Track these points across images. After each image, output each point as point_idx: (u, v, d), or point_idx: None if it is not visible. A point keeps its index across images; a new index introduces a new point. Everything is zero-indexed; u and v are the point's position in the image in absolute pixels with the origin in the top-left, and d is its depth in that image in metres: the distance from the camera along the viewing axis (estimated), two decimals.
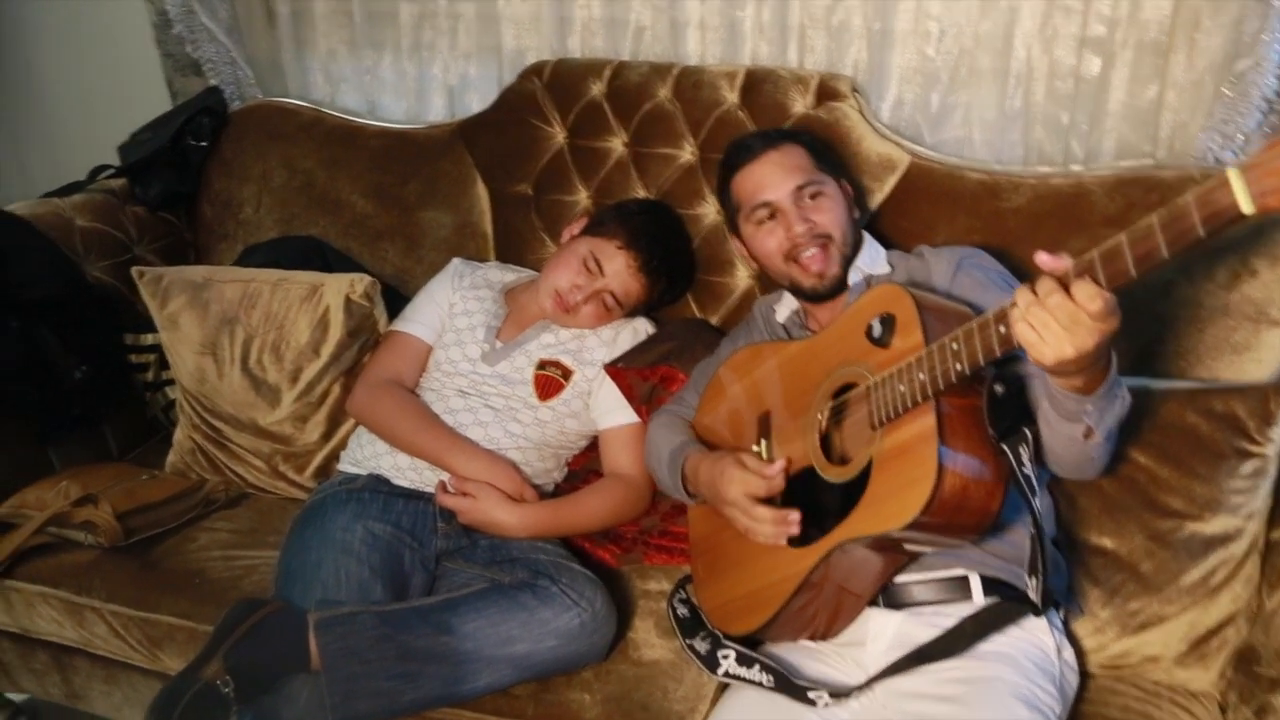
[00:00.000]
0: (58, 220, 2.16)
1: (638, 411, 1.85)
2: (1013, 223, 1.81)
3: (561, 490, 1.91)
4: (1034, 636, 1.41)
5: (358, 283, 1.92)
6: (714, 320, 2.02)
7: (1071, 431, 1.27)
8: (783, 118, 1.92)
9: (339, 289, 1.91)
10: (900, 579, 1.45)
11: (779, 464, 1.45)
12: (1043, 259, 1.09)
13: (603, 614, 1.57)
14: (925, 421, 1.24)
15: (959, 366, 1.18)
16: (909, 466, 1.25)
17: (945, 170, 1.88)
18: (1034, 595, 1.33)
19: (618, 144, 2.05)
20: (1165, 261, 0.97)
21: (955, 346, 1.19)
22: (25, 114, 2.84)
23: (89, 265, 2.16)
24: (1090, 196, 1.77)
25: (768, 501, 1.46)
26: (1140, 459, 1.54)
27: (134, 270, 2.01)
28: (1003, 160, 1.98)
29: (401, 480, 1.80)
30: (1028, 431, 1.27)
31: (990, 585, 1.43)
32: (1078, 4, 1.86)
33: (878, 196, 1.89)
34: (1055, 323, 1.08)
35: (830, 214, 1.63)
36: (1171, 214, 0.95)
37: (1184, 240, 0.95)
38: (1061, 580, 1.52)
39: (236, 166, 2.31)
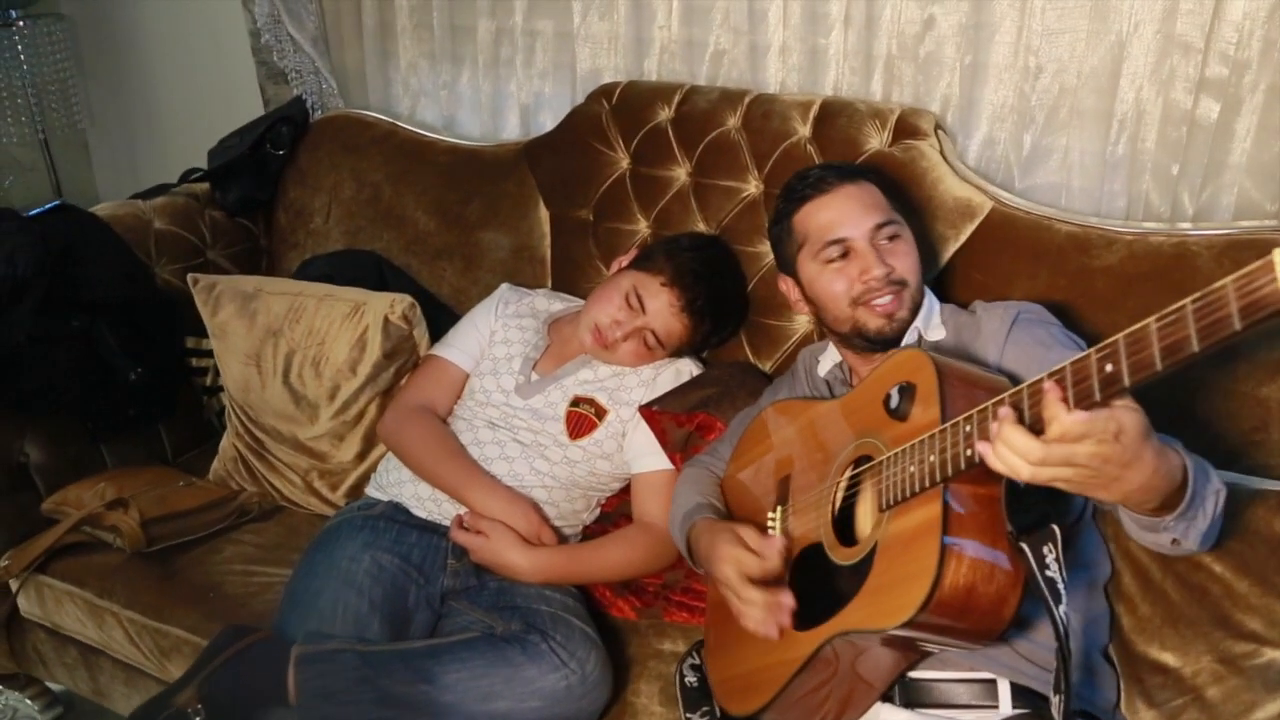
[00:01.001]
0: (136, 221, 2.21)
1: (671, 459, 1.74)
2: (1101, 283, 1.62)
3: (591, 532, 1.82)
4: None
5: (397, 304, 1.88)
6: (767, 366, 1.88)
7: (1157, 540, 1.13)
8: (854, 154, 1.78)
9: (379, 309, 1.87)
10: (919, 674, 1.30)
11: (777, 543, 1.31)
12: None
13: (594, 678, 1.47)
14: (931, 510, 1.10)
15: (969, 452, 1.03)
16: (909, 560, 1.11)
17: (1031, 220, 1.70)
18: (1056, 715, 1.15)
19: (680, 173, 1.94)
20: (1193, 355, 0.81)
21: (969, 429, 1.04)
22: (138, 114, 2.95)
23: (160, 267, 2.20)
24: (1194, 259, 1.56)
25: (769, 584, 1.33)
26: (1215, 567, 1.32)
27: (189, 277, 2.02)
28: (1102, 212, 1.79)
29: (420, 511, 1.74)
30: (1056, 529, 1.10)
31: (1022, 695, 1.27)
32: (1198, 41, 1.66)
33: (952, 245, 1.73)
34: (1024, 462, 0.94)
35: (908, 259, 1.47)
36: (1206, 302, 0.79)
37: (1218, 334, 0.78)
38: (1104, 696, 1.33)
39: (310, 176, 2.32)
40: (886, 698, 1.32)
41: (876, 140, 1.79)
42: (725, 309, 1.80)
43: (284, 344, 1.92)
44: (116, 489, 1.85)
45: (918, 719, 1.29)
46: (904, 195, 1.66)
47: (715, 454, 1.67)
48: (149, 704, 1.41)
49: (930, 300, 1.52)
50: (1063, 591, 1.07)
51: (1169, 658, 1.35)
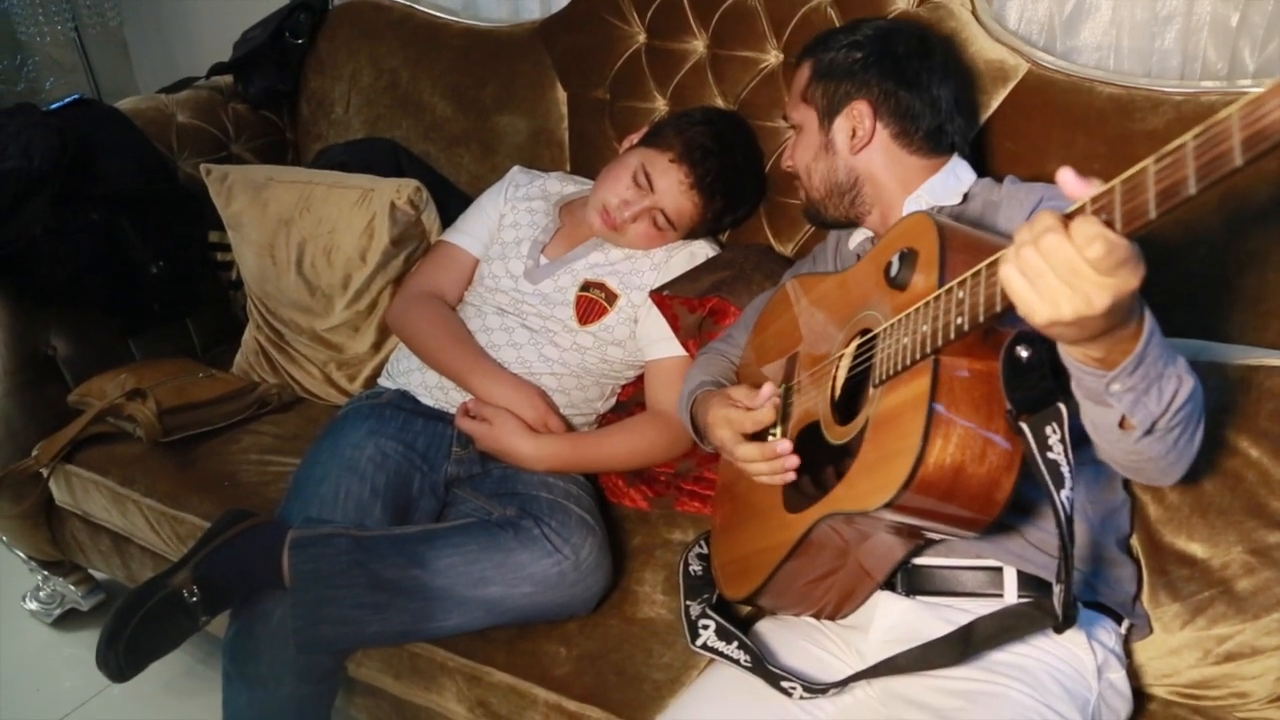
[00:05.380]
0: (158, 115, 2.19)
1: (684, 345, 1.67)
2: (1143, 149, 1.43)
3: (607, 421, 1.78)
4: (1068, 651, 1.17)
5: (403, 188, 1.82)
6: (788, 249, 1.79)
7: (1104, 419, 0.99)
8: (877, 16, 1.65)
9: (386, 195, 1.82)
10: (923, 561, 1.24)
11: (765, 391, 1.26)
12: (1066, 176, 0.82)
13: (589, 564, 1.43)
14: (920, 384, 1.02)
15: (959, 319, 0.95)
16: (895, 437, 1.04)
17: (1069, 82, 1.56)
18: (1056, 606, 1.07)
19: (697, 45, 1.84)
20: (1189, 199, 0.72)
21: (961, 294, 0.95)
22: (171, 10, 2.90)
23: (183, 161, 2.18)
24: None
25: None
26: (1251, 451, 1.22)
27: (202, 167, 2.00)
28: (1153, 73, 1.64)
29: (427, 399, 1.72)
30: (1062, 408, 0.99)
31: (1029, 584, 1.20)
32: None
33: (983, 113, 1.60)
34: (1050, 272, 0.82)
35: (796, 150, 1.48)
36: (1209, 135, 0.69)
37: (1217, 171, 0.69)
38: (1121, 589, 1.24)
39: (330, 65, 2.26)
40: (889, 585, 1.26)
41: (904, 0, 1.66)
42: (739, 186, 1.71)
43: (296, 233, 1.89)
44: (136, 380, 1.86)
45: (919, 606, 1.23)
46: (833, 74, 1.44)
47: (730, 340, 1.59)
48: (146, 585, 1.41)
49: (952, 173, 1.42)
50: (1066, 475, 0.97)
51: (1197, 548, 1.26)
